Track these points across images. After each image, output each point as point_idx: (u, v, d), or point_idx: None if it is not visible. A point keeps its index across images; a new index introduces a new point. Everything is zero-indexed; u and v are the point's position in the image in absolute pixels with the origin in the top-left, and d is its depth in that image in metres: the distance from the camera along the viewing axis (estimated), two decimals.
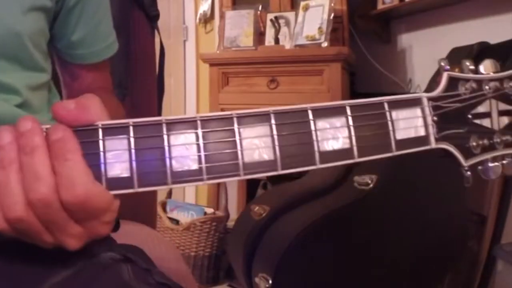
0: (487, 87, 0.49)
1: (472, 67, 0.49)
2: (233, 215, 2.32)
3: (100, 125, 0.40)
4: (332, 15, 2.17)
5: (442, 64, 0.48)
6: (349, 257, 1.43)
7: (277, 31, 2.36)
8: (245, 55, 2.31)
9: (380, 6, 2.23)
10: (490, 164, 0.49)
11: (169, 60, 1.04)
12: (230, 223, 2.20)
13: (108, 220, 0.43)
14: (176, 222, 2.28)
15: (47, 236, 0.41)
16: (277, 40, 2.35)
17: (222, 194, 2.38)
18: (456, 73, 0.49)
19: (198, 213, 2.29)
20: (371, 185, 1.44)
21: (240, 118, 0.41)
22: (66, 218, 0.40)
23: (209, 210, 2.33)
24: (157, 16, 1.00)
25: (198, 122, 0.41)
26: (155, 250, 0.78)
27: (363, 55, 2.36)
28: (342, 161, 0.43)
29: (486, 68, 0.50)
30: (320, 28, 2.17)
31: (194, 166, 0.40)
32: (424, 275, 1.54)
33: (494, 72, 0.50)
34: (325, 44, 2.14)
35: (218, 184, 2.57)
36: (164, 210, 2.35)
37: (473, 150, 0.48)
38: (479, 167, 0.49)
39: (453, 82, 0.48)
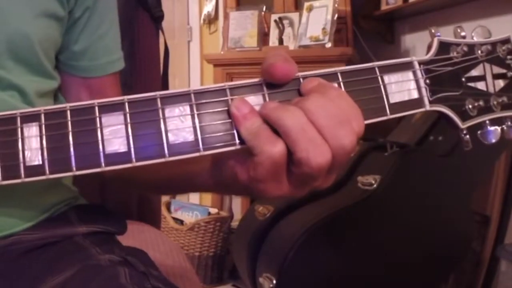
0: (479, 51, 0.50)
1: (463, 33, 0.50)
2: (237, 215, 2.33)
3: (96, 103, 0.41)
4: (336, 15, 2.17)
5: (433, 30, 0.49)
6: (353, 257, 1.44)
7: (281, 32, 2.37)
8: (249, 56, 2.31)
9: (383, 7, 2.24)
10: (490, 128, 0.49)
11: (173, 61, 1.04)
12: (234, 223, 2.20)
13: None
14: (181, 222, 2.28)
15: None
16: (281, 41, 2.36)
17: None
18: (447, 38, 0.49)
19: (202, 213, 2.29)
20: (374, 186, 1.45)
21: (233, 89, 0.42)
22: None
23: (213, 210, 2.33)
24: (161, 16, 1.00)
25: (192, 95, 0.41)
26: (159, 250, 0.78)
27: (367, 55, 2.36)
28: None
29: (478, 35, 0.51)
30: (324, 28, 2.17)
31: (190, 137, 0.41)
32: (428, 275, 1.54)
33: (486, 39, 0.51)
34: (329, 45, 2.14)
35: None
36: (169, 210, 2.36)
37: (469, 112, 0.48)
38: (479, 132, 0.49)
39: (444, 47, 0.49)
